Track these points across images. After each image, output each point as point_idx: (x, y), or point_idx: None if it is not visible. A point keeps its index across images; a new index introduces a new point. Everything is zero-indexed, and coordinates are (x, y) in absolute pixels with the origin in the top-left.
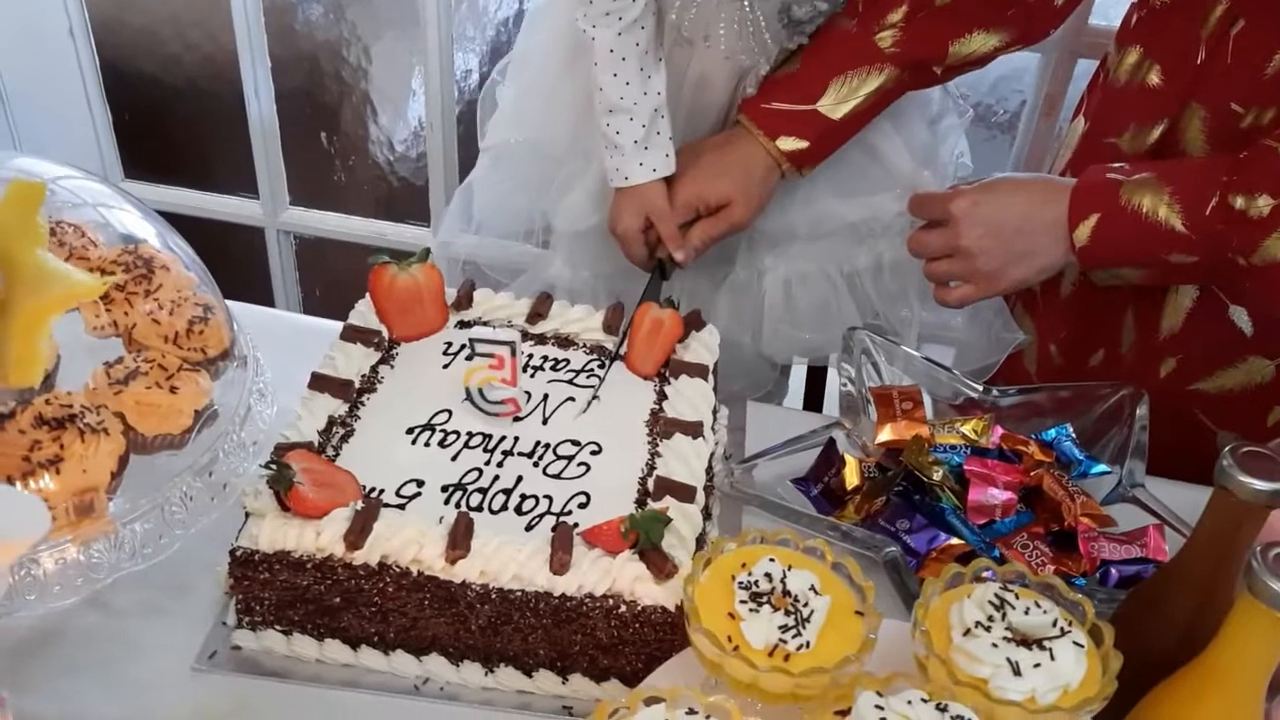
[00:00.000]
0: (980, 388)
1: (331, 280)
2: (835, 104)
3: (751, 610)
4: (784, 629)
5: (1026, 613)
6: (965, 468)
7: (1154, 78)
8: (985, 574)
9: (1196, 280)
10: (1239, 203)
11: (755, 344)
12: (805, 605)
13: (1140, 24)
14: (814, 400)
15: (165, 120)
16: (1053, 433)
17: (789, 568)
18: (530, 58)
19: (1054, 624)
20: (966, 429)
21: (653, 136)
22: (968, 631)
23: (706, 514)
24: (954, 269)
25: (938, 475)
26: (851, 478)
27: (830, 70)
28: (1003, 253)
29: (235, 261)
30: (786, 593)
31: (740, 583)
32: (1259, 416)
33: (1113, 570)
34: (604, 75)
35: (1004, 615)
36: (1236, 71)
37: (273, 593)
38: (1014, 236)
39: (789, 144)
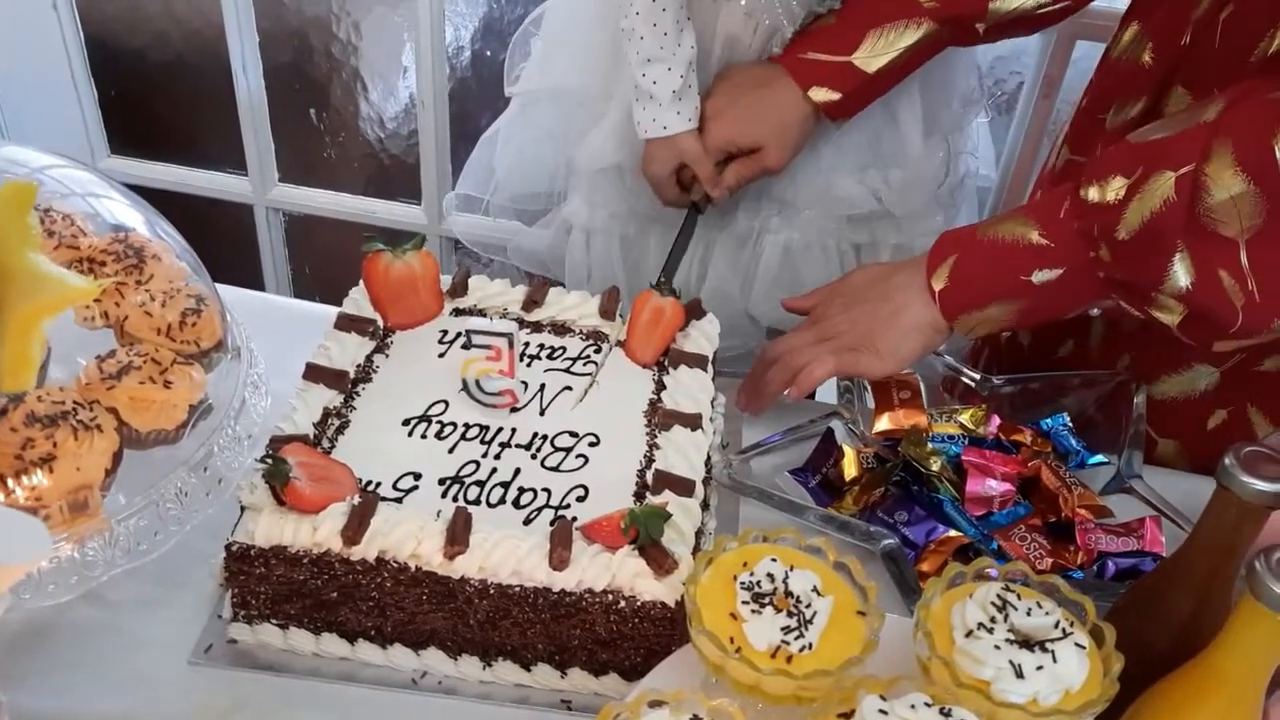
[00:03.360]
0: (977, 376)
1: (321, 258)
2: (870, 57)
3: (754, 611)
4: (786, 630)
5: (1029, 614)
6: (963, 458)
7: (1146, 56)
8: (988, 572)
9: (1067, 304)
10: (1092, 194)
11: (744, 300)
12: (808, 606)
13: (1143, 1)
14: None
15: (152, 96)
16: (1049, 422)
17: (791, 568)
18: (561, 8)
19: (1056, 625)
20: (964, 418)
21: (686, 89)
22: (970, 633)
23: (704, 505)
24: (829, 352)
25: (936, 466)
26: (850, 469)
27: (867, 23)
28: (869, 317)
29: (224, 238)
30: (789, 593)
31: (742, 583)
32: (1200, 422)
33: (1110, 563)
34: (644, 25)
35: (1006, 616)
36: (1222, 56)
37: (269, 587)
38: (877, 301)
39: (821, 95)
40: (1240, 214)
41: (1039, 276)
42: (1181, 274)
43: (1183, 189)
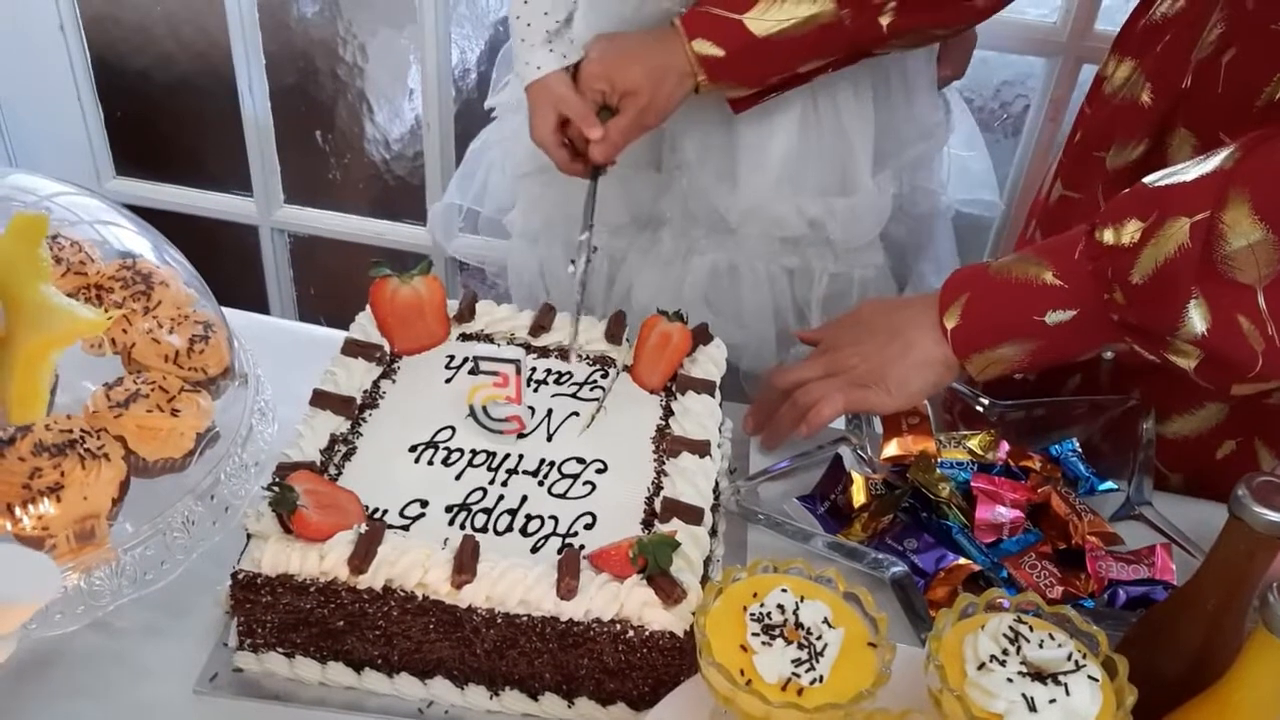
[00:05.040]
0: (986, 401)
1: (326, 279)
2: (761, 19)
3: (764, 643)
4: (797, 663)
5: (1041, 645)
6: (972, 484)
7: (1145, 96)
8: (1000, 603)
9: (1081, 346)
10: (1108, 236)
11: None
12: (818, 638)
13: (1138, 37)
14: None
15: (158, 117)
16: (1058, 447)
17: (801, 598)
18: None
19: (1069, 657)
20: (973, 444)
21: (563, 30)
22: (982, 665)
23: (712, 532)
24: (837, 389)
25: (945, 492)
26: (858, 495)
27: None
28: (879, 352)
29: (229, 259)
30: (799, 625)
31: (752, 614)
32: (1209, 453)
33: (1120, 591)
34: None
35: (1019, 649)
36: (1226, 101)
37: (275, 615)
38: (887, 336)
39: (704, 48)
40: (1258, 261)
41: (1053, 317)
42: (1197, 320)
43: (1197, 236)
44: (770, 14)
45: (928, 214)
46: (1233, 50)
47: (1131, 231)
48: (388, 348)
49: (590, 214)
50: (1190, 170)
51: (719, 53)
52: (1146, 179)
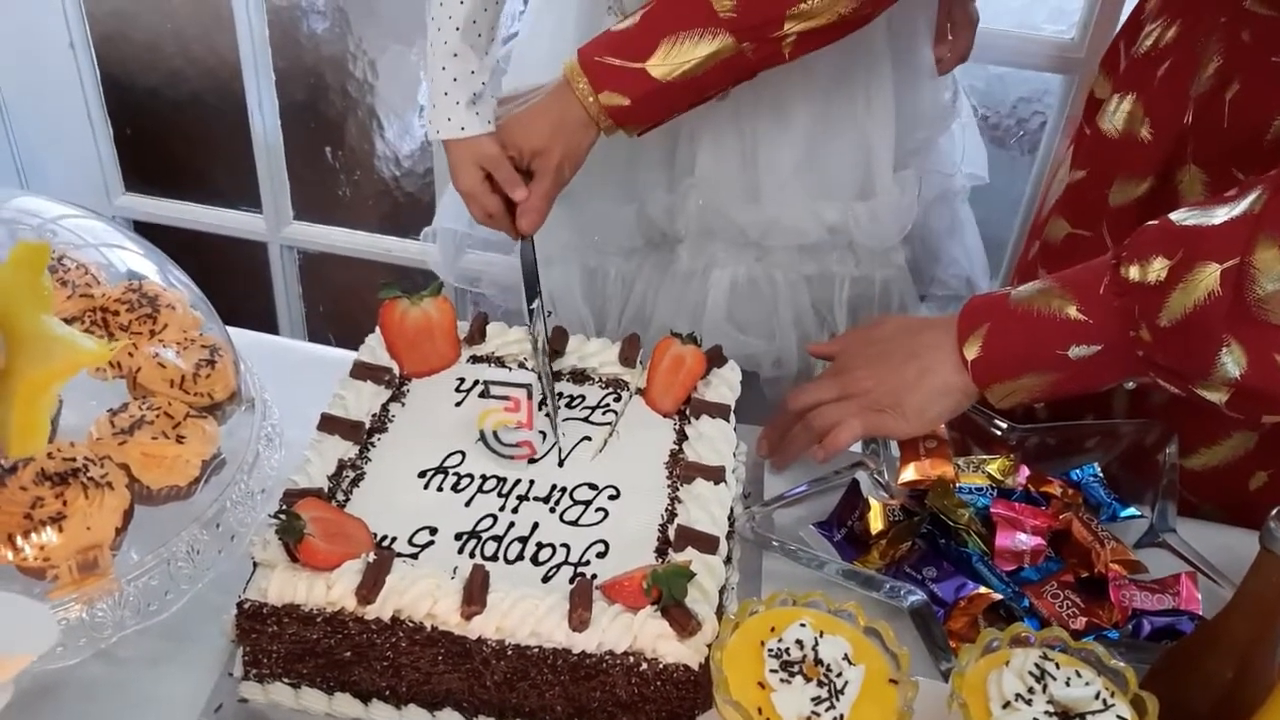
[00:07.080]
0: (1004, 425)
1: (335, 295)
2: (662, 64)
3: (783, 681)
4: (816, 701)
5: (1068, 683)
6: (992, 511)
7: (1144, 132)
8: (1025, 637)
9: (1103, 379)
10: (1133, 273)
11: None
12: (839, 675)
13: (1129, 70)
14: None
15: (167, 134)
16: (1079, 472)
17: (821, 633)
18: (529, 44)
19: (1096, 696)
20: (992, 469)
21: (487, 95)
22: (1007, 704)
23: (727, 559)
24: (854, 413)
25: (964, 518)
26: (876, 521)
27: (663, 30)
28: (895, 375)
29: (238, 276)
30: (819, 661)
31: (770, 650)
32: (1241, 484)
33: (1145, 622)
34: (462, 17)
35: (1045, 687)
36: (1232, 137)
37: (281, 645)
38: (904, 358)
39: (610, 99)
40: None
41: (1076, 352)
42: (1231, 365)
43: (1228, 282)
44: (670, 58)
45: (943, 197)
46: (1235, 85)
47: (1158, 270)
48: (397, 370)
49: (535, 280)
50: (1217, 213)
51: (625, 102)
52: (1173, 215)
